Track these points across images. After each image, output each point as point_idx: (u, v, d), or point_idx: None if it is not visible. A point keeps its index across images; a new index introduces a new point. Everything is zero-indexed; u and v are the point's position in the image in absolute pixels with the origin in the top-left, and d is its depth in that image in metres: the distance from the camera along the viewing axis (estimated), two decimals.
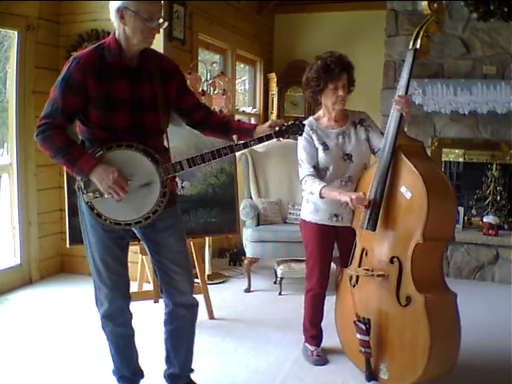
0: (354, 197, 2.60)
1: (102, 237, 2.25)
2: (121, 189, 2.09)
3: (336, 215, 2.87)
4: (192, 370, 2.58)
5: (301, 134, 2.32)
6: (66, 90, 2.10)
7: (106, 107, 2.13)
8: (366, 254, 2.72)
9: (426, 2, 2.64)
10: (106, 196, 2.13)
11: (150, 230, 2.29)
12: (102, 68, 2.12)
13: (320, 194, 2.74)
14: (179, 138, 3.35)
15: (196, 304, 2.47)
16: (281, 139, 2.30)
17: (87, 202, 2.18)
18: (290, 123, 2.28)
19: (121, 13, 2.08)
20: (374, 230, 2.61)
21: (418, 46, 2.63)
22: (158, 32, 2.14)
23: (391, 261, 2.58)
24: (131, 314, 2.42)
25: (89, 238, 2.29)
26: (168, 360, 2.54)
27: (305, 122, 2.85)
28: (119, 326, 2.38)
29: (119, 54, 2.15)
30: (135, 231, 2.36)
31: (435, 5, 2.64)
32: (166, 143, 2.33)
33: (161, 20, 2.12)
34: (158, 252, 2.36)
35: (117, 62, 2.15)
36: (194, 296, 2.47)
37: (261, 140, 2.23)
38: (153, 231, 2.30)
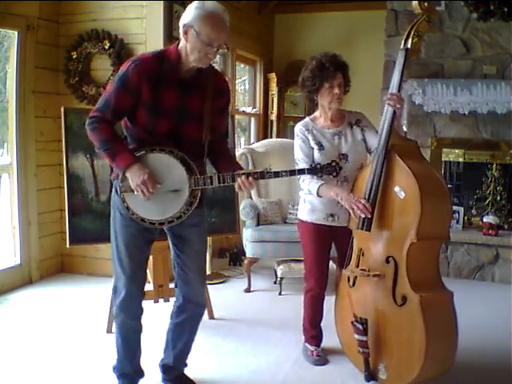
0: (357, 205, 2.59)
1: (130, 225, 2.34)
2: (147, 190, 2.20)
3: (332, 215, 2.87)
4: (186, 365, 2.64)
5: (335, 176, 2.39)
6: (120, 89, 2.21)
7: (153, 112, 2.24)
8: (363, 254, 2.72)
9: (416, 2, 2.65)
10: (135, 193, 2.24)
11: (177, 225, 2.35)
12: (158, 75, 2.21)
13: (317, 192, 2.75)
14: None
15: (204, 305, 2.56)
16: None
17: (120, 194, 2.29)
18: (326, 163, 2.37)
19: (186, 29, 2.17)
20: (369, 230, 2.61)
21: (408, 46, 2.64)
22: (215, 57, 2.22)
23: (387, 261, 2.58)
24: (142, 309, 2.48)
25: (116, 226, 2.38)
26: (165, 350, 2.61)
27: (301, 123, 2.89)
28: (130, 319, 2.45)
29: (177, 65, 2.24)
30: None
31: (426, 4, 2.65)
32: (203, 152, 2.38)
33: (221, 47, 2.19)
34: (180, 246, 2.45)
35: (172, 72, 2.23)
36: (204, 299, 2.56)
37: (292, 173, 2.35)
38: (179, 225, 2.36)
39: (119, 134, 2.33)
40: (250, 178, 2.23)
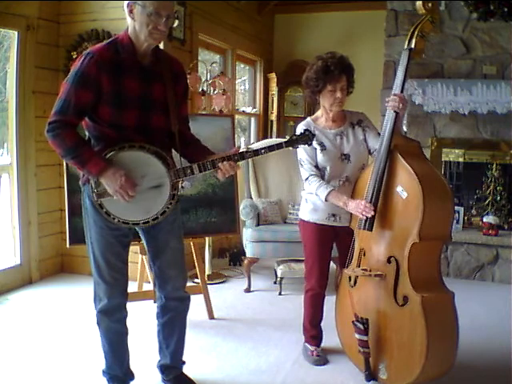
0: (361, 209, 2.60)
1: (105, 233, 2.28)
2: (126, 194, 2.13)
3: (334, 215, 2.87)
4: (183, 363, 2.63)
5: (310, 144, 2.37)
6: (78, 85, 2.10)
7: (117, 104, 2.15)
8: (364, 254, 2.72)
9: (420, 2, 2.65)
10: (114, 197, 2.16)
11: (152, 226, 2.31)
12: (115, 64, 2.14)
13: (326, 198, 2.75)
14: None
15: (187, 297, 2.52)
16: (291, 148, 2.35)
17: (97, 200, 2.20)
18: (299, 133, 2.34)
19: (130, 8, 2.12)
20: (371, 230, 2.61)
21: (412, 46, 2.64)
22: (165, 29, 2.14)
23: (388, 260, 2.58)
24: (127, 312, 2.45)
25: (91, 234, 2.31)
26: (160, 351, 2.59)
27: (302, 123, 2.89)
28: (114, 323, 2.41)
29: (132, 50, 2.17)
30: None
31: (430, 4, 2.65)
32: (173, 143, 2.32)
33: (171, 19, 2.13)
34: (156, 247, 2.40)
35: (129, 58, 2.17)
36: (187, 292, 2.52)
37: (271, 149, 2.27)
38: (154, 227, 2.32)
39: (84, 138, 2.22)
40: (231, 162, 2.19)
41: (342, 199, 2.73)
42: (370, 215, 2.59)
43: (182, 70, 2.40)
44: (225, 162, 2.19)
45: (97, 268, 2.32)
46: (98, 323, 2.41)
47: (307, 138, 2.32)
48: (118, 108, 2.15)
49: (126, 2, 2.12)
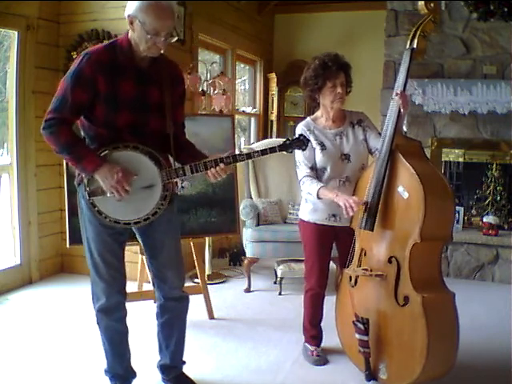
0: (349, 202, 2.59)
1: (101, 232, 2.28)
2: (122, 189, 2.14)
3: (334, 215, 2.86)
4: (184, 363, 2.63)
5: (304, 149, 2.36)
6: (75, 84, 2.13)
7: (112, 105, 2.16)
8: (365, 254, 2.72)
9: (422, 2, 2.67)
10: (108, 195, 2.17)
11: (147, 226, 2.31)
12: (112, 66, 2.16)
13: (317, 194, 2.75)
14: None
15: (186, 297, 2.53)
16: (284, 152, 2.34)
17: (89, 199, 2.21)
18: (294, 138, 2.34)
19: (130, 19, 2.13)
20: (372, 230, 2.61)
21: (414, 46, 2.65)
22: (163, 46, 2.16)
23: (389, 261, 2.58)
24: (126, 311, 2.45)
25: (87, 233, 2.32)
26: (160, 351, 2.59)
27: (302, 123, 2.89)
28: (114, 321, 2.41)
29: (131, 54, 2.18)
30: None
31: (432, 4, 2.66)
32: (169, 145, 2.32)
33: (170, 37, 2.13)
34: (152, 247, 2.40)
35: (127, 62, 2.18)
36: (186, 292, 2.53)
37: (264, 152, 2.27)
38: (149, 227, 2.32)
39: (79, 136, 2.24)
40: (222, 165, 2.20)
41: (332, 192, 2.72)
42: (351, 213, 2.60)
43: (180, 74, 2.41)
44: (216, 166, 2.19)
45: (94, 267, 2.33)
46: (97, 322, 2.41)
47: (301, 142, 2.31)
48: (113, 109, 2.17)
49: (127, 13, 2.12)
